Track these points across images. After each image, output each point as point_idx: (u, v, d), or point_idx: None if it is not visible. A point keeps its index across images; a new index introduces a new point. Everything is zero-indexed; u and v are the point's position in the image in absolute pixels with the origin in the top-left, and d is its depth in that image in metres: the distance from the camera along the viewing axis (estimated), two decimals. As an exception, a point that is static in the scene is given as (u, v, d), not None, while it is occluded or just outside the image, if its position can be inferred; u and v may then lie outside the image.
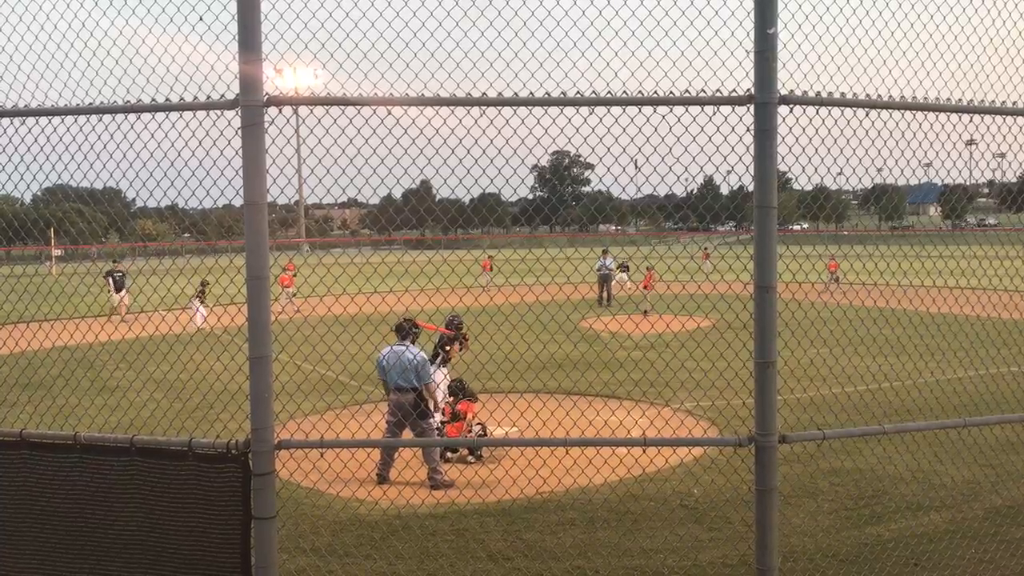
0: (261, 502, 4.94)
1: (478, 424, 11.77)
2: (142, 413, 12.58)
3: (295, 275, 33.20)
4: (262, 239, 4.95)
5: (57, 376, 14.16)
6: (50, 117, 5.57)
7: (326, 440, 5.36)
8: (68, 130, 5.61)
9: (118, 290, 30.60)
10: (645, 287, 30.75)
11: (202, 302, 25.88)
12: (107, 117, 5.49)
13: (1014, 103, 5.92)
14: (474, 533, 8.58)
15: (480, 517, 8.97)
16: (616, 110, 5.28)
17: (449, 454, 11.51)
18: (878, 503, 9.10)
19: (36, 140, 5.68)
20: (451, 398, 12.00)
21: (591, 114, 5.26)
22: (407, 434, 10.65)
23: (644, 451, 10.03)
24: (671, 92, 5.12)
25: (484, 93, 5.09)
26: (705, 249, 44.90)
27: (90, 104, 5.38)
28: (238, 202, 5.08)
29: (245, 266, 4.95)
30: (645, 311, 27.03)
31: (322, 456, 10.22)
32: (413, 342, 11.11)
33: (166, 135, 5.49)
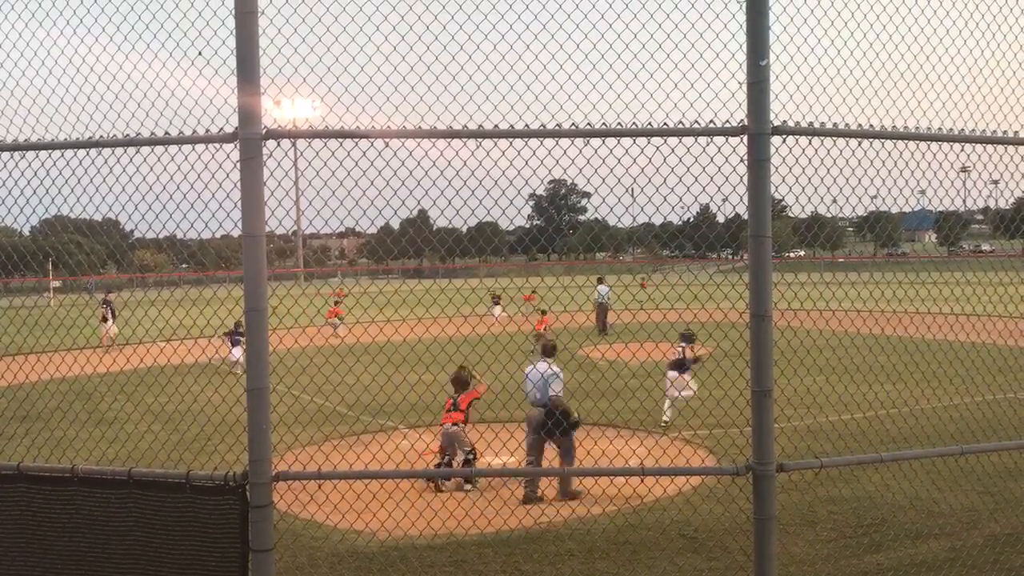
0: (259, 534, 4.94)
1: (468, 449, 11.73)
2: (140, 445, 12.56)
3: (341, 302, 33.54)
4: (260, 271, 4.98)
5: (55, 408, 14.12)
6: (49, 151, 5.62)
7: (324, 472, 5.36)
8: (68, 164, 5.66)
9: (112, 318, 30.39)
10: (537, 330, 27.08)
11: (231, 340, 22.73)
12: (106, 150, 5.53)
13: (1004, 132, 5.98)
14: (472, 564, 8.54)
15: (478, 548, 8.94)
16: (611, 141, 5.34)
17: (445, 484, 11.54)
18: (877, 531, 9.07)
19: (36, 174, 5.72)
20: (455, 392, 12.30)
21: (586, 145, 5.32)
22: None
23: (642, 480, 10.01)
24: (665, 123, 5.19)
25: (480, 125, 5.15)
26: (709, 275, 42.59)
27: (89, 138, 5.43)
28: (236, 232, 5.12)
29: (244, 298, 4.97)
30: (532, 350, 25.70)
31: (320, 487, 10.18)
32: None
33: (164, 168, 5.54)
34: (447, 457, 11.96)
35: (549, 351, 11.75)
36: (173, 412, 14.66)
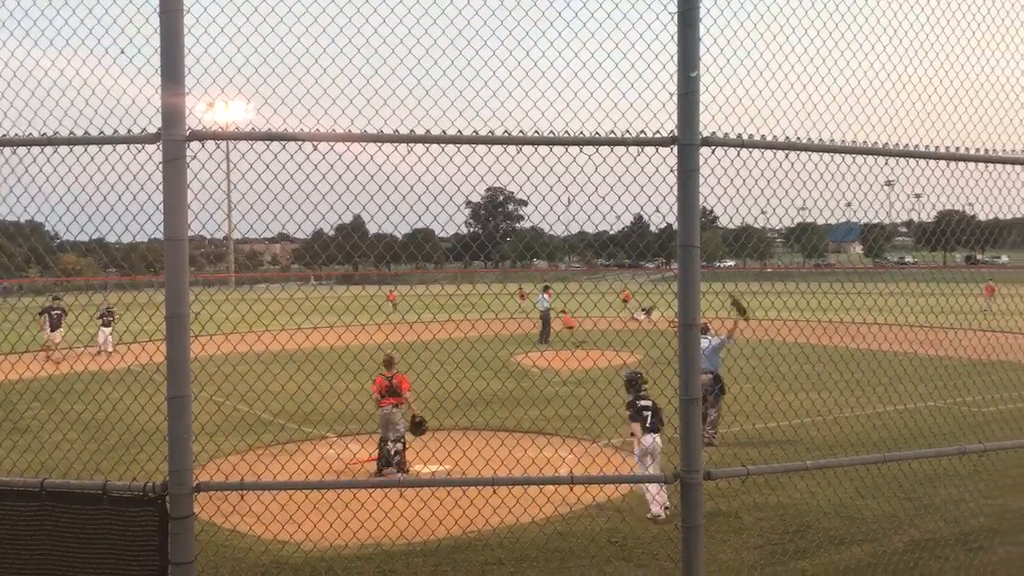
0: (179, 547, 4.79)
1: (400, 435, 12.50)
2: (54, 455, 12.15)
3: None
4: (182, 275, 4.84)
5: (-35, 416, 13.60)
6: (-41, 149, 5.40)
7: (247, 482, 5.23)
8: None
9: (54, 328, 28.20)
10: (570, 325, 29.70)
11: None
12: (21, 149, 5.34)
13: (927, 147, 6.13)
14: (400, 574, 8.44)
15: (407, 558, 8.83)
16: (543, 149, 5.33)
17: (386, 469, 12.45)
18: (802, 538, 9.21)
19: (-55, 173, 5.48)
20: (387, 371, 12.61)
21: (518, 153, 5.29)
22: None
23: (571, 489, 10.01)
24: (596, 133, 5.19)
25: (412, 130, 5.09)
26: (626, 290, 42.34)
27: (3, 136, 5.23)
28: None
29: (165, 303, 4.83)
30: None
31: (242, 498, 9.97)
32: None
33: (84, 169, 5.35)
34: (384, 440, 12.57)
35: (704, 329, 13.09)
36: (91, 420, 14.21)
